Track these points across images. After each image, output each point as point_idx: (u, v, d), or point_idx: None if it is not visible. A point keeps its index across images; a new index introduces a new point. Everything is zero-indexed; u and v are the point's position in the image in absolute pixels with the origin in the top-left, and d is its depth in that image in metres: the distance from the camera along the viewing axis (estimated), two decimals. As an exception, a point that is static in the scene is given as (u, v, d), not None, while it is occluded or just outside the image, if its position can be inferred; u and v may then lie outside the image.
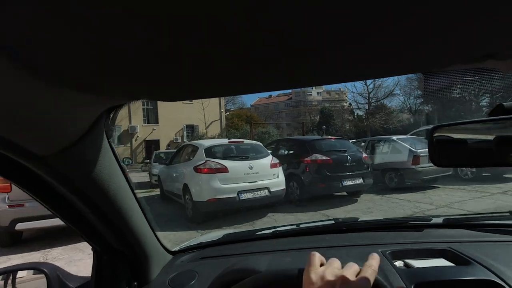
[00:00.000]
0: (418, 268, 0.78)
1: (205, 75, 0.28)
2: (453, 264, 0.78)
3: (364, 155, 6.41)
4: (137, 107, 21.31)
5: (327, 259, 0.51)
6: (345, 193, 6.24)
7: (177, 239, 4.05)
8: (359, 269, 0.47)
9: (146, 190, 8.52)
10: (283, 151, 6.83)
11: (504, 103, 0.58)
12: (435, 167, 6.98)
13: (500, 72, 0.39)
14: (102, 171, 0.54)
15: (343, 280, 0.44)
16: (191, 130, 22.88)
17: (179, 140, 20.90)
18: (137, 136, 21.27)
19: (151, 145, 20.58)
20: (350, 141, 7.73)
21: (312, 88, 44.11)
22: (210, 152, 5.13)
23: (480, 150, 0.70)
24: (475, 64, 0.34)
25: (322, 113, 33.02)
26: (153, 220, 0.85)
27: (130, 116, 21.31)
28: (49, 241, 4.30)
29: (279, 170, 5.44)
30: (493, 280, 0.68)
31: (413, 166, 6.69)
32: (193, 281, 0.84)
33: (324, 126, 24.99)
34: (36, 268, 0.88)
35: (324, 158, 5.80)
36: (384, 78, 26.15)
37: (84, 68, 0.27)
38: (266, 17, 0.19)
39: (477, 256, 0.77)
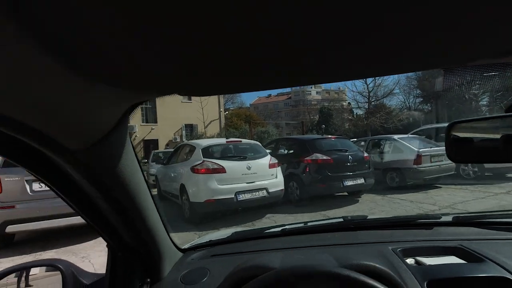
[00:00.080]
0: (430, 265, 0.78)
1: (205, 75, 0.29)
2: (465, 262, 0.78)
3: (365, 154, 6.30)
4: (136, 107, 21.09)
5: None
6: (346, 193, 6.14)
7: (175, 240, 3.93)
8: None
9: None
10: (282, 150, 6.73)
11: None
12: (437, 166, 6.90)
13: None
14: (126, 167, 0.55)
15: None
16: (190, 129, 22.77)
17: (178, 140, 20.78)
18: (136, 136, 21.11)
19: (150, 144, 20.41)
20: (350, 140, 7.63)
21: (311, 88, 44.19)
22: (207, 152, 5.04)
23: (497, 146, 0.69)
24: (497, 60, 0.33)
25: (322, 112, 33.04)
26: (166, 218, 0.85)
27: (129, 115, 21.10)
28: (42, 244, 4.18)
29: (278, 170, 5.35)
30: (506, 277, 0.68)
31: (415, 166, 6.59)
32: (205, 278, 0.84)
33: (324, 126, 24.98)
34: (51, 264, 0.89)
35: (324, 157, 5.69)
36: (384, 77, 26.35)
37: (118, 62, 0.27)
38: (266, 17, 0.20)
39: (489, 253, 0.77)
